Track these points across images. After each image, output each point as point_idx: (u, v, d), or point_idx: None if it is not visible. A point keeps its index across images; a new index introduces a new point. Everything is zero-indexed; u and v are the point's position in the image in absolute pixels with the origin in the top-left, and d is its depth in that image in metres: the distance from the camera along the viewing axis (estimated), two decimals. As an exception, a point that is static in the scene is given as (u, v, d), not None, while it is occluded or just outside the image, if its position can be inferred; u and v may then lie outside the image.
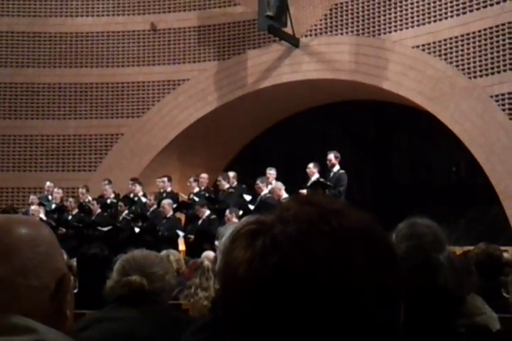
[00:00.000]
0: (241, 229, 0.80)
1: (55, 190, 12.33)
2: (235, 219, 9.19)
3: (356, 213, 0.80)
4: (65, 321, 1.07)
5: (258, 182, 10.21)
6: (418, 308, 1.75)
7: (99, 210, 11.50)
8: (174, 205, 10.95)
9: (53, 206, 12.09)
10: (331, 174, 10.15)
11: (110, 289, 2.44)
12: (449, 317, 1.91)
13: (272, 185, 10.19)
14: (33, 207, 11.54)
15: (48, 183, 12.52)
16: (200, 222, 10.46)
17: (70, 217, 11.61)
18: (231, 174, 11.15)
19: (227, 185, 10.96)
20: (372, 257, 0.77)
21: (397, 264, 0.80)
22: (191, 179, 11.51)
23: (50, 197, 12.35)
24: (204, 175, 11.54)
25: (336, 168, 10.16)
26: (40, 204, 11.94)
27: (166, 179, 11.58)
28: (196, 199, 11.00)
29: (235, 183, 10.99)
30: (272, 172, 10.55)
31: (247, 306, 0.76)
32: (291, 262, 0.75)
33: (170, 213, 10.74)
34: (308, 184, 9.97)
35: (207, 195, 11.05)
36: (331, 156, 10.18)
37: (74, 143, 14.10)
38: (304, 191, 9.71)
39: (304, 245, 0.76)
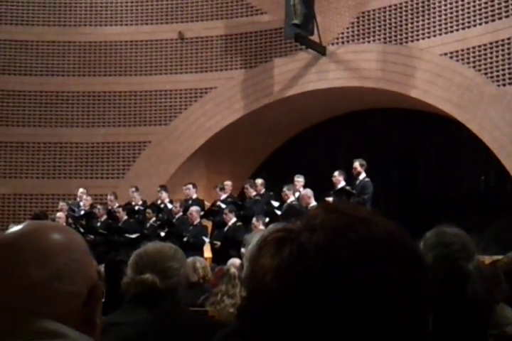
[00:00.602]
0: (268, 237, 0.80)
1: (84, 196, 12.43)
2: (261, 227, 9.18)
3: (383, 221, 0.80)
4: (95, 328, 1.08)
5: (285, 189, 10.18)
6: (446, 318, 1.73)
7: (125, 217, 11.58)
8: (201, 212, 10.99)
9: (82, 212, 12.20)
10: (357, 182, 10.09)
11: (126, 286, 2.43)
12: (477, 327, 1.89)
13: (299, 192, 10.16)
14: (58, 214, 11.65)
15: (80, 190, 12.61)
16: (226, 228, 10.47)
17: (98, 224, 11.71)
18: (259, 181, 11.13)
19: (253, 193, 10.96)
20: (400, 265, 0.77)
21: (425, 273, 0.79)
22: (218, 187, 11.54)
23: (81, 204, 12.46)
24: (228, 182, 11.55)
25: (362, 175, 10.10)
26: (71, 210, 12.05)
27: (191, 186, 11.62)
28: (223, 206, 11.01)
29: (263, 190, 10.97)
30: (299, 180, 10.52)
31: (273, 314, 0.76)
32: (318, 270, 0.75)
33: (197, 220, 10.76)
34: (333, 192, 9.93)
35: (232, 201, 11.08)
36: (357, 164, 10.13)
37: (102, 151, 14.23)
38: (330, 199, 9.67)
39: (331, 253, 0.75)
